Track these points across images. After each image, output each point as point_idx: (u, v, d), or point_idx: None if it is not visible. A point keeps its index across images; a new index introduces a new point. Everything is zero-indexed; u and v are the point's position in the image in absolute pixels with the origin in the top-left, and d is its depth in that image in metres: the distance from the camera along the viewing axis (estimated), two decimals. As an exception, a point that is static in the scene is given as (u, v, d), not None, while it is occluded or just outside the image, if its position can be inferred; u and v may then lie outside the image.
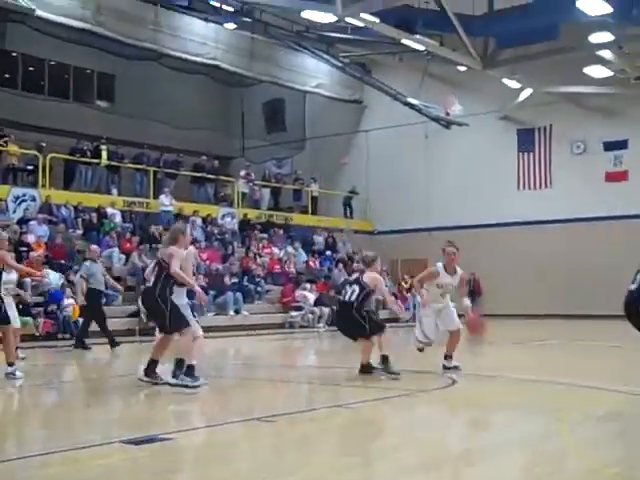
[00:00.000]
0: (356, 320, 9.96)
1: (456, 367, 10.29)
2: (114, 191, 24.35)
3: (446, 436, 6.68)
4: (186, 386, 8.54)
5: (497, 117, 29.59)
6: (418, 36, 23.04)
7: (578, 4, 19.99)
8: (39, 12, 20.87)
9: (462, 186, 29.62)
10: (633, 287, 7.05)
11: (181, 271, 8.84)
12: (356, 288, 10.14)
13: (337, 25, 23.82)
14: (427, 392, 8.92)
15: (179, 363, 8.80)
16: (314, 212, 30.81)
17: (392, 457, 5.61)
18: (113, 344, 14.94)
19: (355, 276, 11.85)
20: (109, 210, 22.89)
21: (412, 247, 29.31)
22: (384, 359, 9.83)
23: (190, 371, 8.68)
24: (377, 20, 21.82)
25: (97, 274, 15.21)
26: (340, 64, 28.71)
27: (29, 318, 16.33)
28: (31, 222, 20.50)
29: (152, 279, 9.11)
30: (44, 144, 23.15)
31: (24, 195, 21.70)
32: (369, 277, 10.25)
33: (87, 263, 15.47)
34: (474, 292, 26.68)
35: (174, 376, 8.76)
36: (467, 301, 10.75)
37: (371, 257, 10.56)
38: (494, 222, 28.82)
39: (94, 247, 16.38)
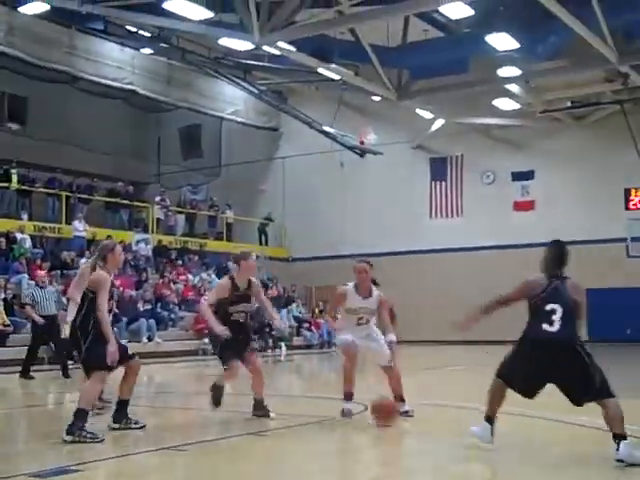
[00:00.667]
0: None
1: (407, 412, 8.75)
2: (24, 216, 23.85)
3: (363, 462, 6.76)
4: (85, 442, 7.28)
5: (411, 146, 30.21)
6: (334, 66, 23.40)
7: (488, 39, 20.63)
8: (-53, 32, 20.49)
9: (376, 214, 30.10)
10: (553, 329, 6.41)
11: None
12: None
13: (254, 53, 24.00)
14: (343, 419, 8.97)
15: (79, 414, 7.44)
16: (229, 239, 30.78)
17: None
18: (26, 374, 14.69)
19: None
20: (19, 235, 22.40)
21: (326, 274, 29.55)
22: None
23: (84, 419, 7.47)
24: (294, 49, 22.08)
25: (43, 300, 14.97)
26: (257, 91, 28.91)
27: None
28: None
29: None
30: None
31: None
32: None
33: (33, 289, 15.21)
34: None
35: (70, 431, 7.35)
36: (392, 336, 8.90)
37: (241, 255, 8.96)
38: (407, 249, 29.30)
39: (41, 273, 16.08)
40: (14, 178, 24.03)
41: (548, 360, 6.37)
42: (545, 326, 6.45)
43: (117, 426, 7.97)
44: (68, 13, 21.93)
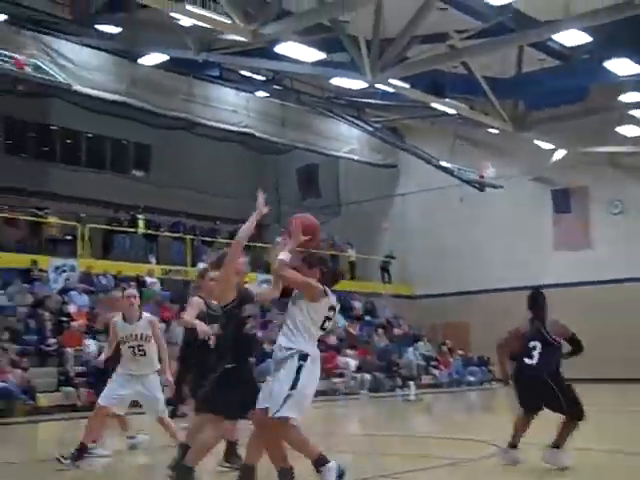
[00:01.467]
0: None
1: None
2: (152, 259, 24.52)
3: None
4: None
5: (531, 178, 29.48)
6: (448, 100, 23.21)
7: (607, 65, 20.03)
8: (76, 87, 21.36)
9: (499, 248, 29.44)
10: (533, 362, 7.85)
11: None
12: None
13: (367, 91, 24.08)
14: (473, 461, 8.72)
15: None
16: (352, 277, 30.75)
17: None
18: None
19: None
20: (148, 279, 23.02)
21: (451, 310, 29.20)
22: None
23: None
24: (407, 85, 22.03)
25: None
26: (372, 129, 29.02)
27: (71, 388, 16.48)
28: (72, 292, 20.71)
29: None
30: (83, 215, 23.56)
31: (64, 265, 21.95)
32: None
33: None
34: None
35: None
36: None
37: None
38: (531, 284, 28.46)
39: None
40: (141, 223, 24.82)
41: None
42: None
43: (228, 465, 7.91)
44: (185, 62, 22.62)
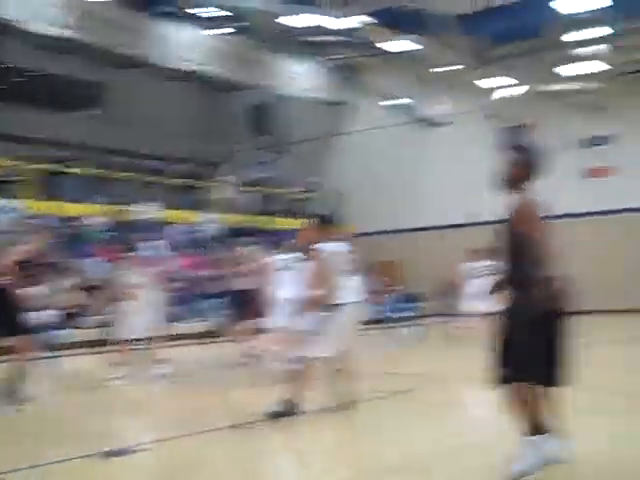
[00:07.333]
0: None
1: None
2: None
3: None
4: None
5: (481, 115, 29.18)
6: (402, 37, 23.00)
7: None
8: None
9: (448, 185, 29.38)
10: None
11: None
12: None
13: (321, 28, 23.78)
14: (402, 393, 8.83)
15: None
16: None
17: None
18: None
19: None
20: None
21: (393, 248, 29.32)
22: None
23: None
24: (368, 19, 21.83)
25: None
26: (325, 67, 28.68)
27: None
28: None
29: None
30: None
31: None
32: None
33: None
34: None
35: None
36: None
37: None
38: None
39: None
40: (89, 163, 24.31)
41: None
42: None
43: None
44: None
